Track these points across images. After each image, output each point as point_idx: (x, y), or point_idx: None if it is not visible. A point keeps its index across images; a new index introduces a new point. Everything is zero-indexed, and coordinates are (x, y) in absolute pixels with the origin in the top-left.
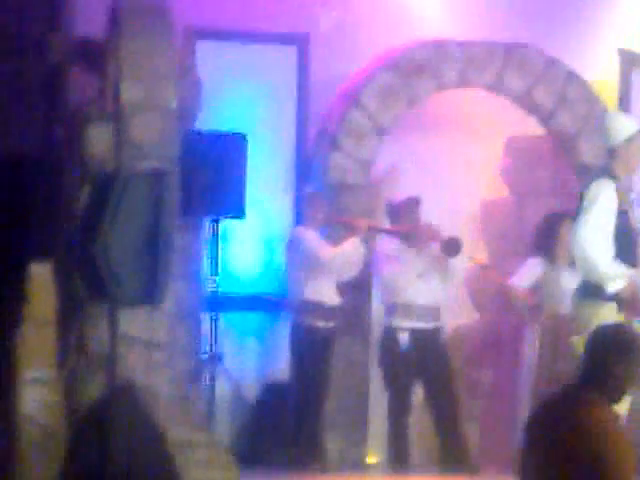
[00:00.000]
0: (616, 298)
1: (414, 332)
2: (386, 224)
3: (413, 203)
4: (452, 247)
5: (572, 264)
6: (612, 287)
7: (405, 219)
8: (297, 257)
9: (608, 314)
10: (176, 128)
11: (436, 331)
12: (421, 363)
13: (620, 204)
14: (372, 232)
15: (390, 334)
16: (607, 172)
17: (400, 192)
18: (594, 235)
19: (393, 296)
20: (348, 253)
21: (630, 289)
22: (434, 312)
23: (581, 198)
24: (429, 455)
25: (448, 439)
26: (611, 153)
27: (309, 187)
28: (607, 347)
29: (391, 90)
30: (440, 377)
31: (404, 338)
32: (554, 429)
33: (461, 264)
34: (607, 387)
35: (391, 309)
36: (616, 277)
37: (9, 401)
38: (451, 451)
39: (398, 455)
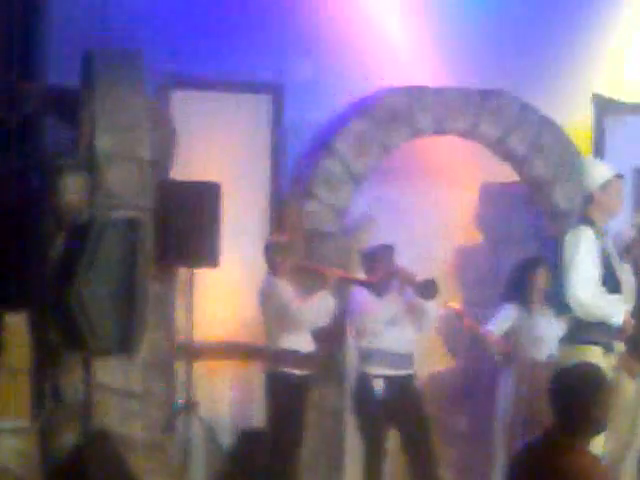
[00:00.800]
0: (618, 333)
1: (388, 379)
2: (360, 272)
3: (387, 251)
4: (428, 289)
5: (546, 310)
6: (617, 320)
7: (379, 267)
8: (270, 307)
9: (594, 357)
10: (150, 177)
11: (410, 378)
12: (396, 410)
13: (603, 251)
14: (343, 282)
15: (364, 381)
16: (584, 218)
17: (374, 240)
18: (586, 285)
19: (366, 343)
20: (317, 307)
21: (628, 321)
22: (408, 359)
23: (557, 245)
24: None
25: None
26: (587, 199)
27: (280, 235)
28: (583, 390)
29: (365, 138)
30: (415, 424)
31: (378, 385)
32: (539, 477)
33: (436, 310)
34: (587, 429)
35: (364, 356)
36: (618, 312)
37: None
38: None
39: None
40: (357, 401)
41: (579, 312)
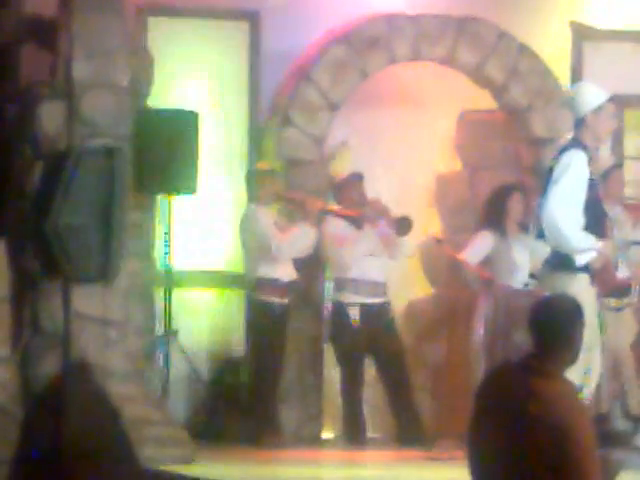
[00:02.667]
0: (587, 270)
1: (363, 307)
2: (333, 200)
3: (356, 179)
4: (403, 226)
5: (523, 237)
6: (582, 259)
7: (349, 195)
8: (250, 237)
9: (580, 285)
10: (128, 105)
11: (385, 306)
12: (371, 338)
13: (590, 174)
14: (323, 214)
15: (340, 309)
16: (576, 143)
17: (351, 167)
18: (564, 207)
19: (342, 272)
20: (297, 238)
21: (600, 260)
22: (382, 287)
23: (550, 170)
24: (384, 430)
25: (401, 413)
26: (580, 123)
27: (260, 163)
28: (563, 317)
29: (343, 65)
30: (390, 351)
31: (354, 313)
32: (511, 400)
33: (412, 240)
34: (565, 356)
35: (340, 285)
36: (586, 249)
37: None
38: (405, 425)
39: (353, 430)
40: (333, 329)
41: (550, 233)
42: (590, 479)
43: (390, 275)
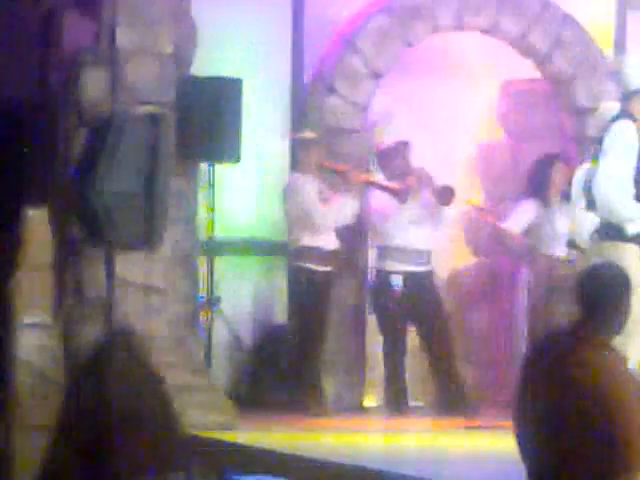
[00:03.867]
0: (638, 240)
1: (406, 275)
2: (376, 169)
3: (402, 147)
4: (445, 195)
5: (565, 206)
6: (633, 229)
7: (395, 163)
8: (293, 205)
9: (631, 255)
10: (171, 73)
11: (428, 274)
12: (414, 306)
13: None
14: (367, 185)
15: (383, 278)
16: (626, 113)
17: (394, 136)
18: (615, 177)
19: (385, 241)
20: (340, 209)
21: None
22: (426, 256)
23: (600, 141)
24: (427, 398)
25: (444, 381)
26: (629, 95)
27: (304, 132)
28: (610, 285)
29: (386, 34)
30: (433, 319)
31: (397, 281)
32: (560, 368)
33: (455, 209)
34: (612, 324)
35: (383, 253)
36: (637, 218)
37: (6, 346)
38: (447, 393)
39: (395, 398)
40: (376, 298)
41: (601, 203)
42: (635, 451)
43: (433, 244)
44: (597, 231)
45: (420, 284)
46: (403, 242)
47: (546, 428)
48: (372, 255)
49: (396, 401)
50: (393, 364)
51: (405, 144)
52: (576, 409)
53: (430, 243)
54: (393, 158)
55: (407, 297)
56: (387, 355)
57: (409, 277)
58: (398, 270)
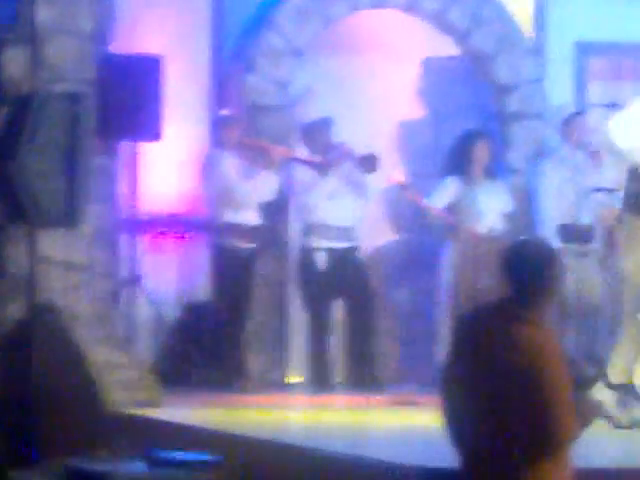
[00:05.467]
0: None
1: (330, 251)
2: (300, 145)
3: (326, 124)
4: (369, 163)
5: (488, 182)
6: None
7: (318, 139)
8: (214, 182)
9: None
10: (91, 50)
11: (352, 250)
12: (339, 282)
13: None
14: (287, 160)
15: (306, 254)
16: None
17: (315, 113)
18: None
19: (308, 217)
20: (261, 185)
21: None
22: (349, 232)
23: None
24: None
25: (358, 358)
26: None
27: (224, 109)
28: (537, 261)
29: (306, 11)
30: (357, 296)
31: (321, 258)
32: (487, 344)
33: (378, 183)
34: (539, 300)
35: (306, 230)
36: None
37: None
38: (360, 370)
39: (319, 376)
40: (300, 274)
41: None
42: (563, 428)
43: (356, 220)
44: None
45: (344, 260)
46: (325, 218)
47: (476, 406)
48: (295, 231)
49: (320, 378)
50: (317, 341)
51: (329, 120)
52: (505, 387)
53: (353, 219)
54: (316, 134)
55: (331, 274)
56: (311, 332)
57: (333, 253)
58: (321, 246)
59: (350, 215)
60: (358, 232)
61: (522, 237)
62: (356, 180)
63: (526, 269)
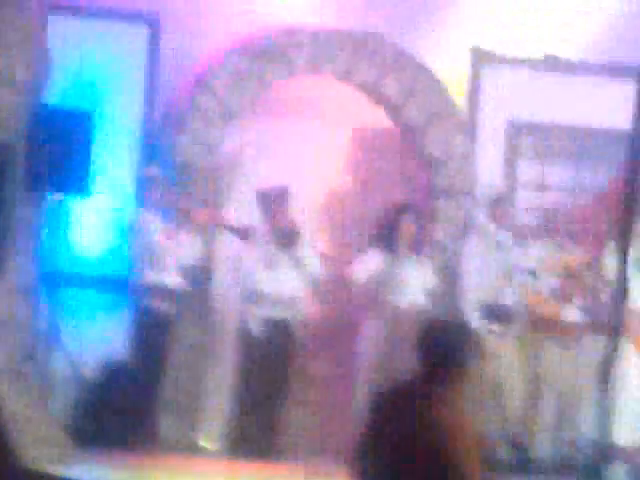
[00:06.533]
0: None
1: (267, 321)
2: (255, 211)
3: (284, 192)
4: (288, 237)
5: (413, 256)
6: None
7: (276, 207)
8: (139, 242)
9: None
10: (23, 101)
11: (287, 322)
12: (272, 352)
13: None
14: (213, 225)
15: (243, 321)
16: None
17: (247, 177)
18: None
19: (244, 285)
20: (184, 249)
21: None
22: (285, 302)
23: None
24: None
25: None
26: None
27: (152, 169)
28: (451, 341)
29: (241, 74)
30: (284, 368)
31: (255, 326)
32: (402, 424)
33: (311, 254)
34: (459, 381)
35: (243, 298)
36: None
37: None
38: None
39: (234, 441)
40: (233, 341)
41: None
42: None
43: (288, 289)
44: None
45: (278, 331)
46: (262, 287)
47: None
48: (217, 295)
49: (235, 443)
50: (238, 407)
51: (287, 189)
52: (418, 463)
53: (285, 288)
54: (275, 202)
55: (266, 343)
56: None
57: (269, 323)
58: (258, 315)
59: (283, 285)
60: (294, 302)
61: (438, 318)
62: (290, 251)
63: (438, 349)
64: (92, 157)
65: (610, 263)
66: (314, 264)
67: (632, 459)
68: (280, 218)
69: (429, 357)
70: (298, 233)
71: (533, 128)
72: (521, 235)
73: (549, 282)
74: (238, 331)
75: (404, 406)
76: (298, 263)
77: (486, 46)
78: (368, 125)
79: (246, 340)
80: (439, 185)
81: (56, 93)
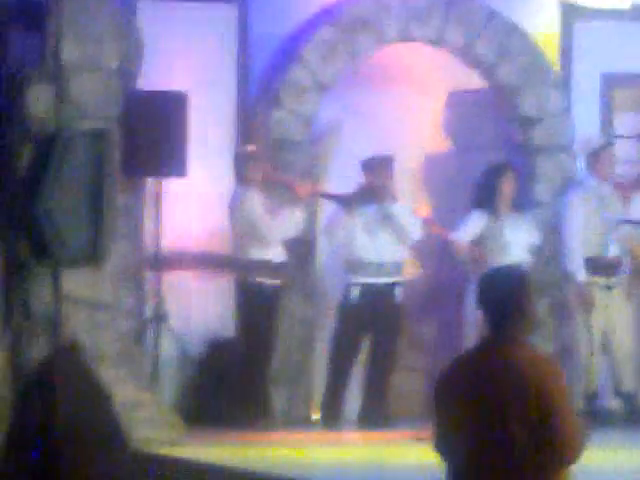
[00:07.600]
0: None
1: (364, 287)
2: (360, 177)
3: (388, 160)
4: (390, 203)
5: (514, 215)
6: None
7: (380, 174)
8: (239, 220)
9: None
10: (117, 88)
11: (389, 286)
12: (371, 318)
13: None
14: (314, 197)
15: (344, 290)
16: None
17: (340, 149)
18: None
19: (345, 253)
20: (286, 222)
21: None
22: (387, 267)
23: None
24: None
25: (369, 394)
26: None
27: (249, 146)
28: (516, 289)
29: (332, 45)
30: (387, 334)
31: (355, 293)
32: (482, 379)
33: (415, 222)
34: (519, 326)
35: (345, 266)
36: None
37: None
38: (368, 406)
39: (330, 410)
40: (338, 309)
41: None
42: (571, 441)
43: (390, 255)
44: None
45: (380, 296)
46: (362, 253)
47: (478, 423)
48: (320, 267)
49: (331, 414)
50: (336, 376)
51: (391, 158)
52: (509, 407)
53: (392, 254)
54: (378, 168)
55: (364, 310)
56: (332, 367)
57: (367, 289)
58: (356, 282)
59: (387, 250)
60: (396, 268)
61: (493, 267)
62: (392, 218)
63: (496, 298)
64: (188, 138)
65: None
66: (416, 229)
67: None
68: (383, 185)
69: (489, 307)
70: (399, 199)
71: (628, 79)
72: (622, 187)
73: None
74: (344, 300)
75: (482, 363)
76: (401, 229)
77: (576, 0)
78: (462, 88)
79: (350, 309)
80: (536, 143)
81: (149, 77)
